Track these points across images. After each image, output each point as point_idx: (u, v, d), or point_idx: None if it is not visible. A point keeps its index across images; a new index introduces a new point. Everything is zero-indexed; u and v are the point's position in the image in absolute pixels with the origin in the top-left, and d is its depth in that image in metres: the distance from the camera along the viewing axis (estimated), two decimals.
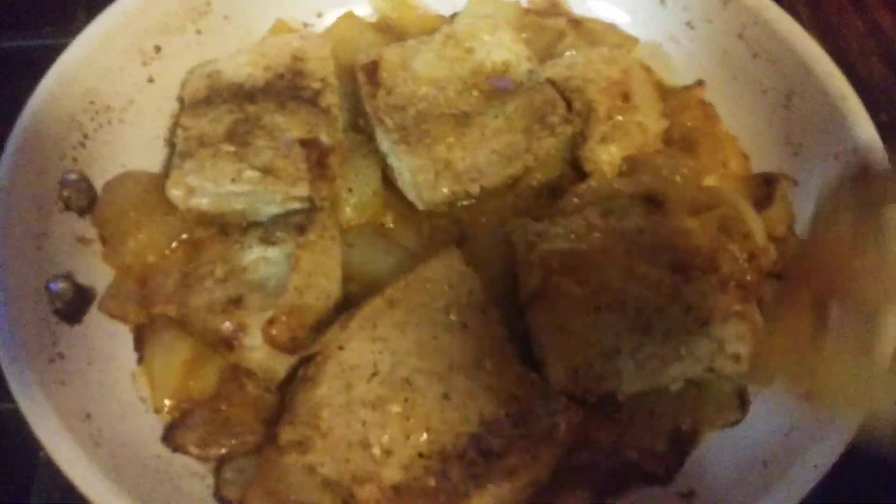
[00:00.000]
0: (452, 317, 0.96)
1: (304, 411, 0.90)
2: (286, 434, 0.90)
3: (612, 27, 1.28)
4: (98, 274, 1.04)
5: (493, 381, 0.92)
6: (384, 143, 1.10)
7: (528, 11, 1.30)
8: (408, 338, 0.94)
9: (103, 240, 1.06)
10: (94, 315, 1.01)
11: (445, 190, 1.07)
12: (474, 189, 1.08)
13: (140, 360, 1.01)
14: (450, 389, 0.91)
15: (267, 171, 1.03)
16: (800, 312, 0.96)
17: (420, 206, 1.08)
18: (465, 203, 1.10)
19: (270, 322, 0.93)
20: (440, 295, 0.97)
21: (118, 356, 1.00)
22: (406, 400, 0.90)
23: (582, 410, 0.91)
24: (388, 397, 0.90)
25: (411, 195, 1.09)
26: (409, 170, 1.07)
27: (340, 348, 0.93)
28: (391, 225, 1.11)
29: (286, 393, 0.94)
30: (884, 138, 1.32)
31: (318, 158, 1.05)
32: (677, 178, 1.08)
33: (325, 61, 1.16)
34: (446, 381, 0.92)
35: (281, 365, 0.95)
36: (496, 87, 1.16)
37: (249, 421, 0.96)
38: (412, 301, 0.96)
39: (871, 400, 0.84)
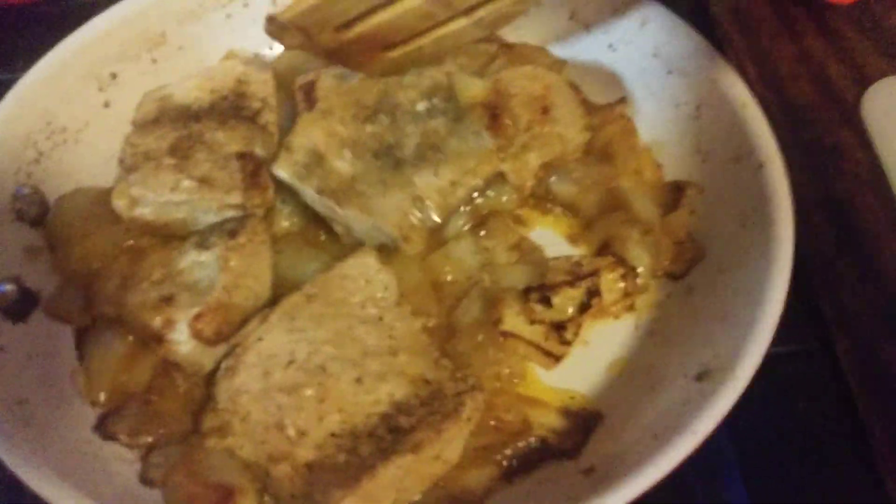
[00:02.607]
0: (368, 310, 1.02)
1: (225, 398, 0.96)
2: (208, 421, 0.96)
3: (541, 50, 1.36)
4: (45, 280, 1.11)
5: (405, 366, 0.98)
6: None
7: None
8: (324, 328, 1.00)
9: (52, 248, 1.13)
10: (38, 316, 1.08)
11: None
12: None
13: (79, 358, 1.07)
14: (363, 374, 0.96)
15: (203, 181, 1.10)
16: None
17: None
18: None
19: (197, 317, 0.99)
20: (356, 290, 1.03)
21: (58, 354, 1.06)
22: (320, 384, 0.95)
23: (485, 392, 0.96)
24: (303, 383, 0.95)
25: None
26: None
27: (260, 339, 0.99)
28: (323, 237, 1.17)
29: (210, 384, 1.00)
30: (808, 155, 1.39)
31: (252, 169, 1.13)
32: (587, 182, 1.15)
33: (266, 83, 1.24)
34: (360, 367, 0.97)
35: (207, 359, 1.01)
36: None
37: (178, 412, 1.01)
38: (329, 296, 1.02)
39: None
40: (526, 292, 1.07)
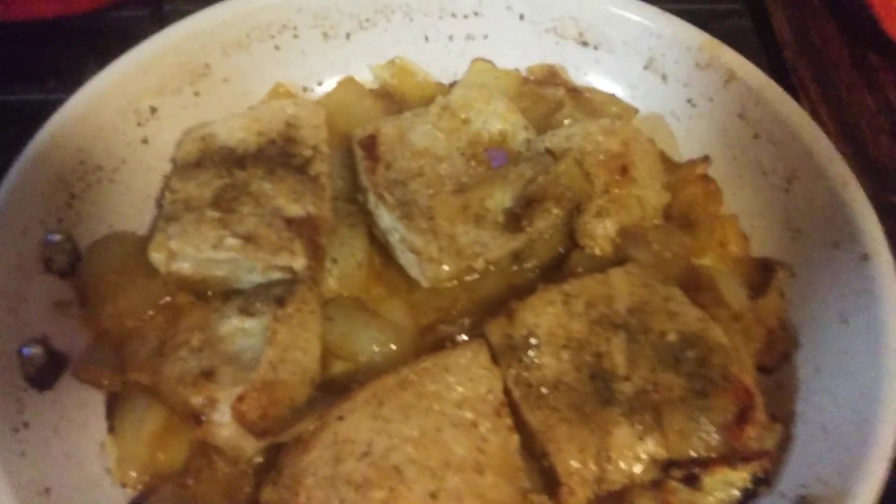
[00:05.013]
0: (464, 412, 0.92)
1: (289, 474, 0.88)
2: (267, 493, 0.88)
3: (611, 97, 1.27)
4: (75, 338, 1.02)
5: (488, 490, 0.87)
6: (385, 219, 1.08)
7: (527, 81, 1.30)
8: (410, 423, 0.90)
9: (83, 302, 1.04)
10: (66, 381, 0.98)
11: (447, 267, 1.04)
12: (479, 264, 1.06)
13: (110, 429, 0.99)
14: (439, 489, 0.86)
15: (249, 239, 1.01)
16: None
17: (424, 284, 1.06)
18: (467, 278, 1.07)
19: (240, 398, 0.91)
20: (457, 385, 0.93)
21: (88, 424, 0.98)
22: (391, 489, 0.86)
23: None
24: (373, 481, 0.86)
25: (414, 272, 1.06)
26: (411, 248, 1.05)
27: (340, 418, 0.90)
28: (376, 298, 1.08)
29: (278, 450, 0.91)
30: (893, 218, 1.29)
31: (309, 236, 1.03)
32: (668, 254, 1.06)
33: (318, 129, 1.15)
34: (438, 479, 0.87)
35: (249, 443, 0.92)
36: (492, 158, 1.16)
37: (216, 500, 0.93)
38: (425, 387, 0.93)
39: None
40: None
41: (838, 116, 1.45)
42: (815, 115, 1.42)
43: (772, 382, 1.01)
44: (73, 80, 1.39)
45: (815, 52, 1.54)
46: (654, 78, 1.25)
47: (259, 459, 0.94)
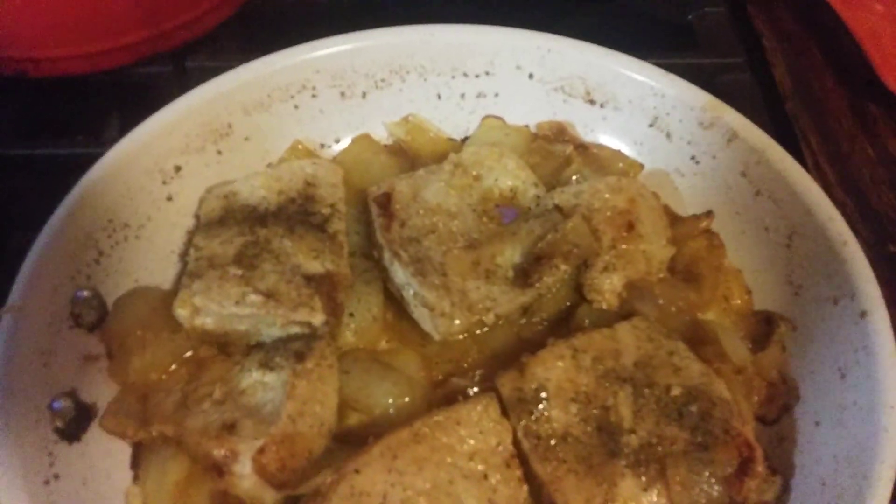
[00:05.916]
0: (475, 464, 0.95)
1: None
2: None
3: (618, 153, 1.31)
4: (101, 390, 1.06)
5: None
6: (399, 275, 1.12)
7: (536, 137, 1.34)
8: (423, 476, 0.93)
9: (110, 355, 1.09)
10: (93, 432, 1.03)
11: (458, 321, 1.08)
12: (489, 318, 1.09)
13: (135, 479, 1.03)
14: None
15: (270, 295, 1.06)
16: None
17: (436, 338, 1.09)
18: (478, 331, 1.11)
19: (261, 451, 0.94)
20: (468, 438, 0.96)
21: (113, 474, 1.02)
22: None
23: None
24: None
25: (427, 326, 1.10)
26: (424, 303, 1.09)
27: (356, 471, 0.93)
28: (390, 350, 1.13)
29: (296, 502, 0.95)
30: (893, 270, 1.32)
31: (328, 292, 1.08)
32: (673, 309, 1.09)
33: (336, 188, 1.20)
34: None
35: (268, 494, 0.95)
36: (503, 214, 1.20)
37: None
38: (438, 440, 0.96)
39: None
40: None
41: (839, 166, 1.48)
42: (816, 165, 1.46)
43: (773, 434, 1.04)
44: (99, 133, 1.46)
45: (816, 103, 1.58)
46: (659, 135, 1.29)
47: None
